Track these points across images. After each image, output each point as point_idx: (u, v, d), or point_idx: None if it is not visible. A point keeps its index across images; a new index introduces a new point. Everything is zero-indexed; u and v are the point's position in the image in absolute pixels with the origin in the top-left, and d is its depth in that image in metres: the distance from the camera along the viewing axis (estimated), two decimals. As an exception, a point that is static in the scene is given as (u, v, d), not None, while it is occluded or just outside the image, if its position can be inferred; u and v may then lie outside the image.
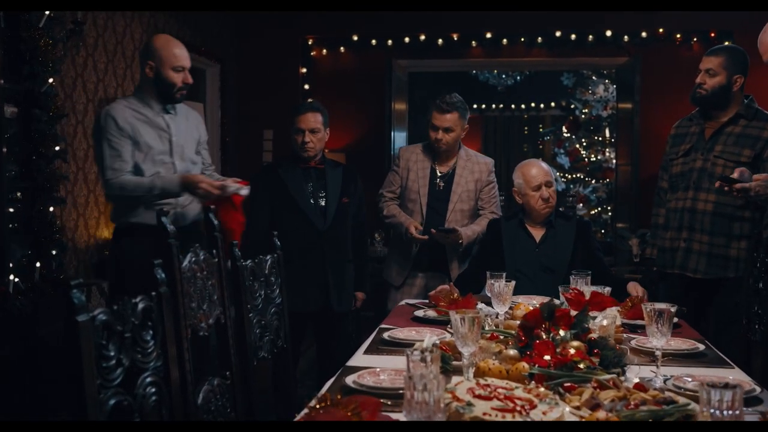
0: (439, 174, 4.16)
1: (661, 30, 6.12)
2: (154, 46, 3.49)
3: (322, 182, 4.04)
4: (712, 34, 6.05)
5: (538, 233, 3.80)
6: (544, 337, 2.09)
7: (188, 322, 1.95)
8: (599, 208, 8.33)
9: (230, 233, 3.56)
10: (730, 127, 3.58)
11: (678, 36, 6.10)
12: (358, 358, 2.42)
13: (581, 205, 8.38)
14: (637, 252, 5.65)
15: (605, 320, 2.26)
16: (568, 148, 8.91)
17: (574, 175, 8.73)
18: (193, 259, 2.05)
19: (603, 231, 7.92)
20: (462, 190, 4.13)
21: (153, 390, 1.68)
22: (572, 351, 1.95)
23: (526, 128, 12.39)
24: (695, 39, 6.05)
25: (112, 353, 1.54)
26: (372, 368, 2.15)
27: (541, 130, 11.70)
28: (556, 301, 3.21)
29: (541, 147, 11.62)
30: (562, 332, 2.01)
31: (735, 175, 3.21)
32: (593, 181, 8.49)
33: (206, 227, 2.24)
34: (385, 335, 2.64)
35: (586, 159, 8.56)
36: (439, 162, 4.17)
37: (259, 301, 2.50)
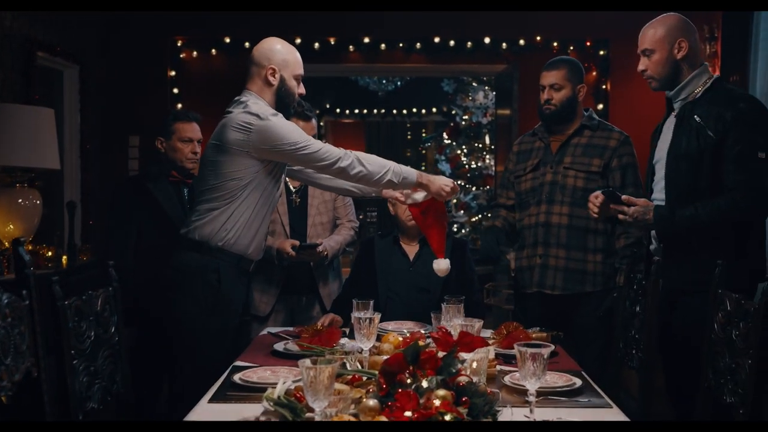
0: (293, 189, 3.86)
1: (538, 38, 6.08)
2: (275, 48, 3.03)
3: (192, 197, 3.74)
4: (588, 43, 6.06)
5: (411, 251, 3.62)
6: (409, 382, 1.86)
7: (-17, 383, 1.62)
8: (480, 215, 8.27)
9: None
10: (576, 139, 3.53)
11: (555, 44, 6.07)
12: (201, 409, 2.10)
13: (462, 212, 8.30)
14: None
15: (475, 360, 2.06)
16: (449, 154, 8.83)
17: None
18: (-8, 305, 1.72)
19: (484, 239, 7.84)
20: (318, 202, 3.86)
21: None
22: (437, 402, 1.72)
23: (409, 134, 12.28)
24: (572, 47, 6.03)
25: None
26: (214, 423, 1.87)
27: (424, 136, 11.62)
28: (427, 328, 3.04)
29: (423, 153, 11.52)
30: (425, 383, 1.78)
31: (624, 198, 3.07)
32: (474, 188, 8.43)
33: (15, 263, 1.90)
34: (236, 377, 2.34)
35: (467, 166, 8.49)
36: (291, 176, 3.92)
37: (87, 345, 2.16)
